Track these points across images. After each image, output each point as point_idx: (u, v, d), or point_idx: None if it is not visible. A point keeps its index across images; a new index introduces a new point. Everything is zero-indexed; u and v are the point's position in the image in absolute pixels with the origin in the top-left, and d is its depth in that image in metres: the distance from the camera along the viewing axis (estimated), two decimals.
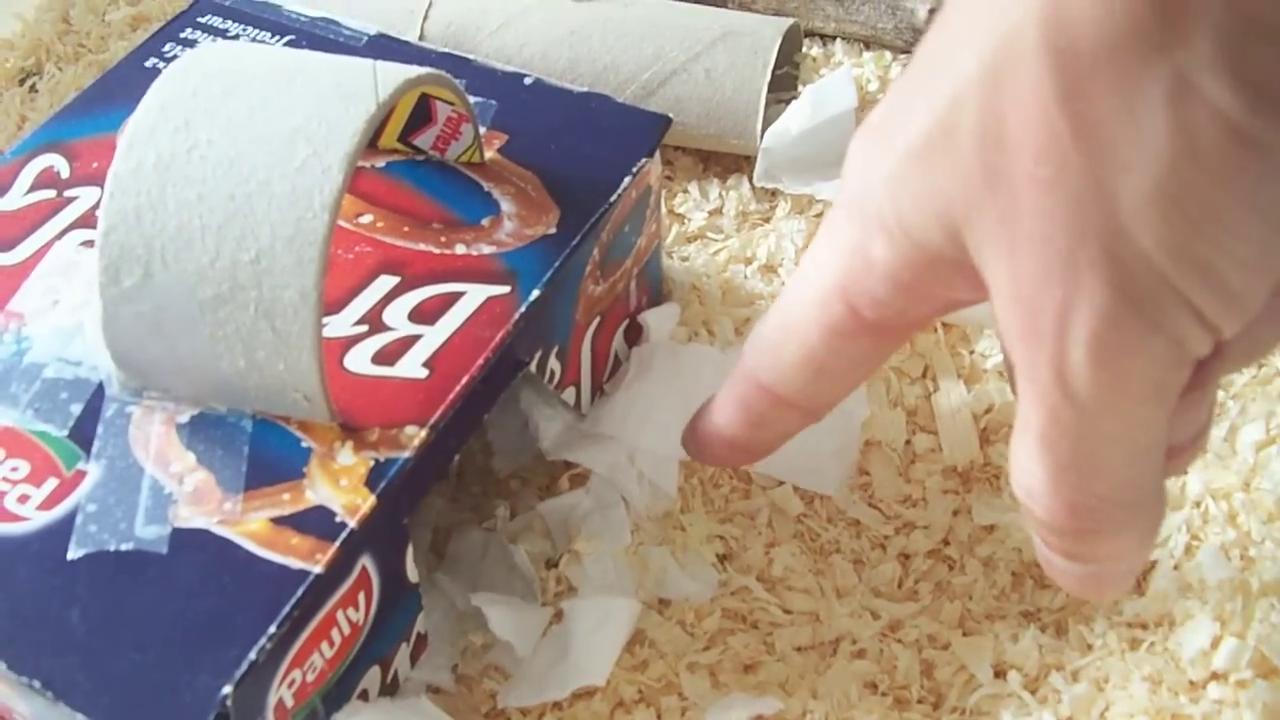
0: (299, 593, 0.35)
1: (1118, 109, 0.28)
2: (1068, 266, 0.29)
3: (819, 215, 0.55)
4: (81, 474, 0.38)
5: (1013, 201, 0.29)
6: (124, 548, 0.36)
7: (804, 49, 0.62)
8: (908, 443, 0.47)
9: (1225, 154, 0.27)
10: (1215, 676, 0.39)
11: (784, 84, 0.59)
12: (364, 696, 0.40)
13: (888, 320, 0.34)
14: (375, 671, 0.40)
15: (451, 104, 0.44)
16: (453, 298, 0.41)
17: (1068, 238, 0.29)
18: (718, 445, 0.40)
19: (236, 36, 0.51)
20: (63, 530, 0.36)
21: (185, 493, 0.37)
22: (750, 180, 0.56)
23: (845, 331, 0.35)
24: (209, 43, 0.50)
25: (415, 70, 0.40)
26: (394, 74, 0.39)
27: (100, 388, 0.39)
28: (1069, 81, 0.28)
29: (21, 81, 0.65)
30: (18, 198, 0.45)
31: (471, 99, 0.44)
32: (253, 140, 0.37)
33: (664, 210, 0.54)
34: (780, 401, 0.37)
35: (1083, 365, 0.30)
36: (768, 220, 0.56)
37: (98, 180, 0.45)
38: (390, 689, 0.41)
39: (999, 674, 0.41)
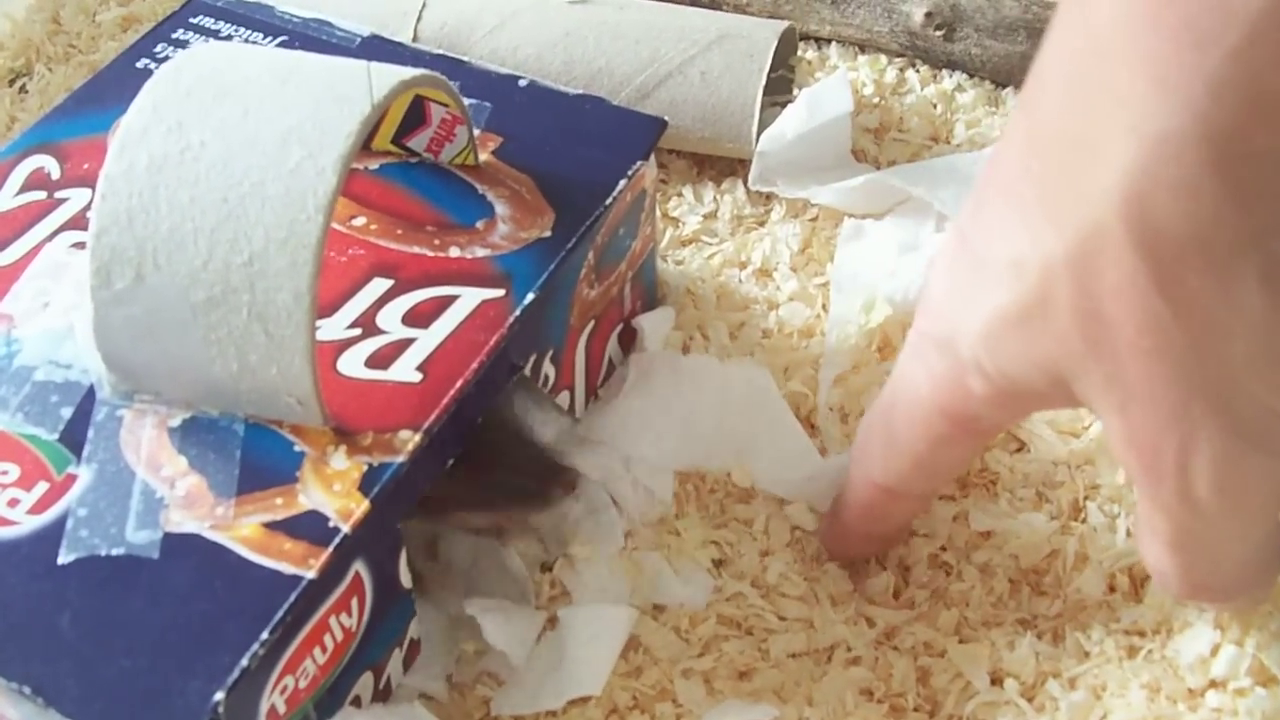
0: (292, 598, 0.34)
1: (1214, 291, 0.29)
2: (1181, 419, 0.31)
3: (814, 219, 0.55)
4: (72, 478, 0.37)
5: (1118, 366, 0.31)
6: (115, 552, 0.36)
7: (799, 52, 0.61)
8: None
9: None
10: (1214, 684, 0.38)
11: (779, 87, 0.59)
12: (357, 703, 0.39)
13: (988, 427, 0.38)
14: (368, 678, 0.40)
15: (446, 106, 0.43)
16: (447, 301, 0.41)
17: (1179, 394, 0.31)
18: (852, 540, 0.44)
19: (229, 37, 0.50)
20: (53, 535, 0.36)
21: (177, 497, 0.37)
22: (745, 184, 0.56)
23: (950, 440, 0.38)
24: (202, 43, 0.49)
25: (410, 72, 0.40)
26: (388, 75, 0.39)
27: (91, 391, 0.39)
28: (1162, 272, 0.30)
29: (11, 82, 0.65)
30: (8, 199, 0.45)
31: (465, 101, 0.44)
32: (246, 142, 0.37)
33: (658, 214, 0.54)
34: (898, 496, 0.41)
35: (1207, 495, 0.32)
36: (763, 224, 0.56)
37: (88, 182, 0.45)
38: (383, 695, 0.41)
39: (996, 681, 0.41)
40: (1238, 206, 0.29)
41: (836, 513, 0.43)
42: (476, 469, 0.41)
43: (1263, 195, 0.29)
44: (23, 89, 0.64)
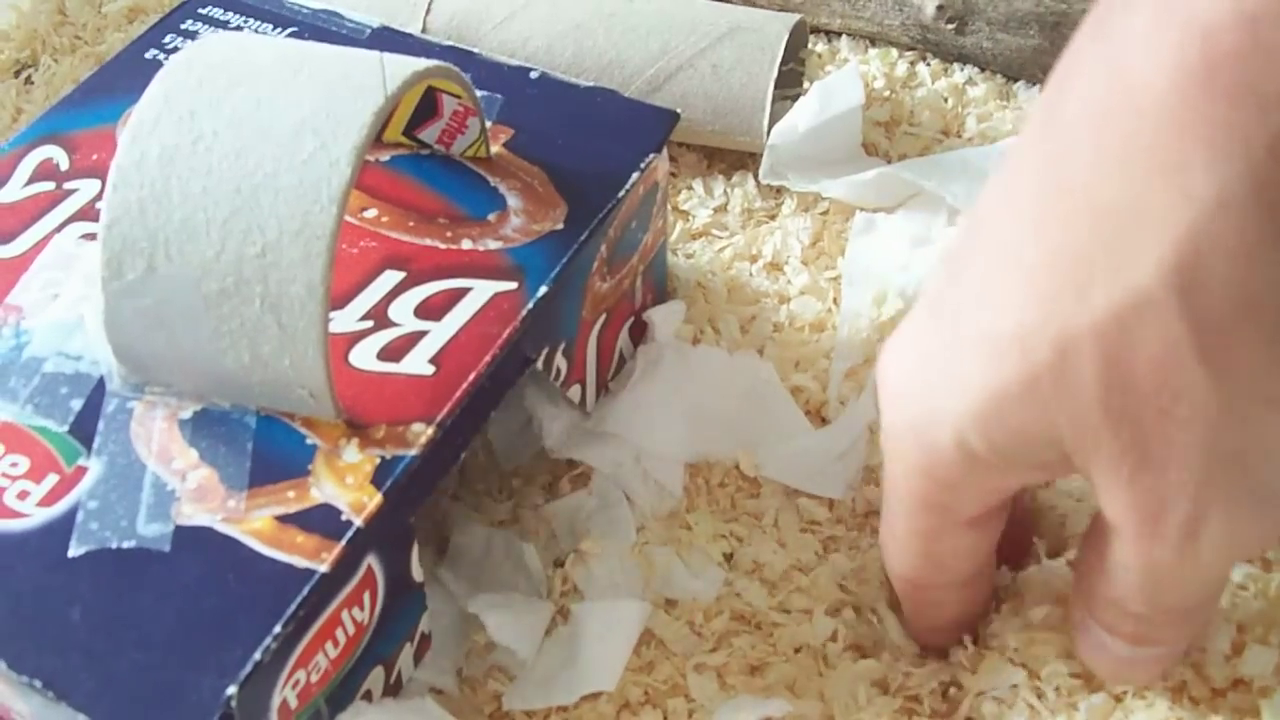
0: (304, 592, 0.34)
1: (1260, 359, 0.29)
2: (1202, 484, 0.30)
3: (825, 212, 0.55)
4: (82, 470, 0.37)
5: (1139, 435, 0.30)
6: (126, 545, 0.35)
7: (809, 45, 0.61)
8: None
9: None
10: (1239, 683, 0.38)
11: (789, 80, 0.59)
12: (368, 697, 0.39)
13: (976, 514, 0.36)
14: (379, 672, 0.39)
15: (458, 97, 0.43)
16: (459, 293, 0.41)
17: (1205, 461, 0.30)
18: (923, 634, 0.42)
19: (238, 28, 0.50)
20: (63, 527, 0.36)
21: (188, 490, 0.36)
22: (755, 177, 0.56)
23: (942, 532, 0.37)
24: (212, 34, 0.49)
25: (423, 63, 0.39)
26: (402, 66, 0.38)
27: (101, 383, 0.39)
28: (1209, 339, 0.29)
29: (17, 73, 0.65)
30: (16, 189, 0.45)
31: (477, 93, 0.44)
32: (259, 132, 0.36)
33: (669, 207, 0.53)
34: (928, 588, 0.39)
35: (1209, 555, 0.32)
36: (773, 217, 0.55)
37: (97, 172, 0.45)
38: (393, 690, 0.41)
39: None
40: None
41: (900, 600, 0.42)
42: None
43: None
44: (28, 80, 0.64)
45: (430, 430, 0.38)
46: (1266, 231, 0.28)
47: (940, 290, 0.35)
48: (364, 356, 0.39)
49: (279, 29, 0.50)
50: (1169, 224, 0.28)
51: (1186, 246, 0.28)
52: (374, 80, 0.37)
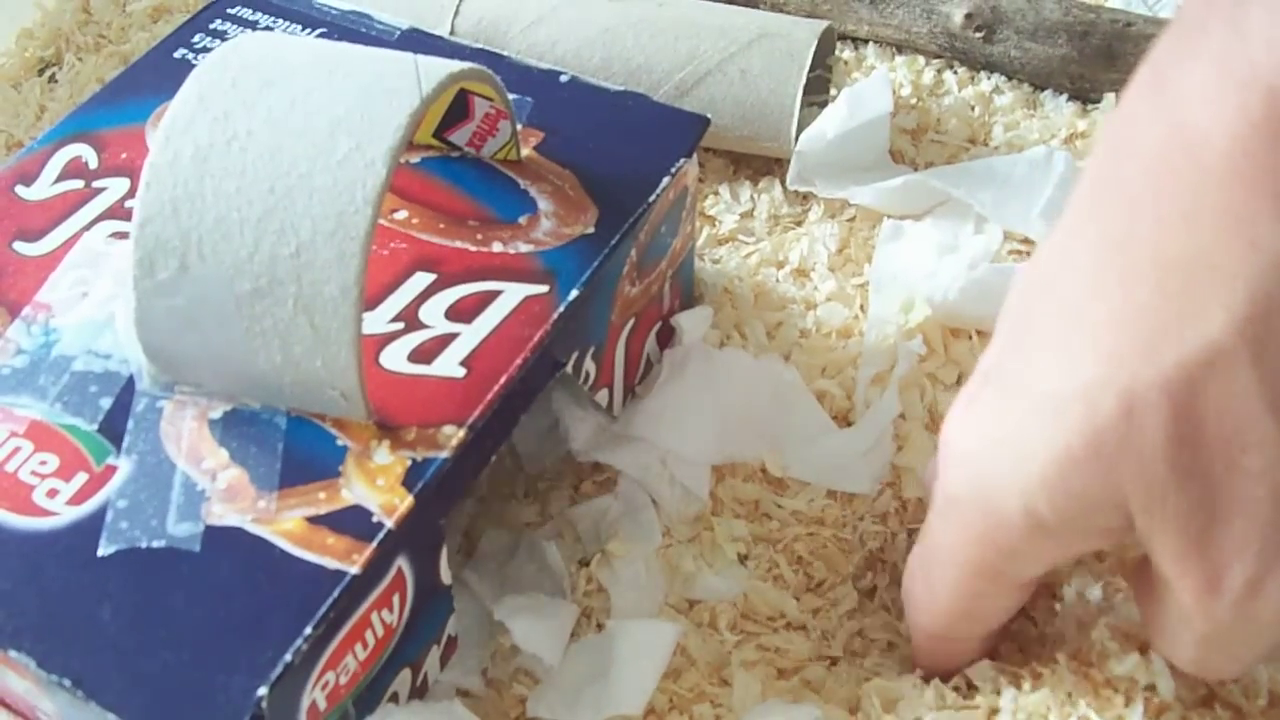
0: (335, 593, 0.34)
1: None
2: (1267, 542, 0.30)
3: (851, 219, 0.55)
4: (112, 469, 0.37)
5: (1207, 489, 0.30)
6: (156, 545, 0.35)
7: (837, 52, 0.61)
8: None
9: None
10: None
11: (816, 87, 0.59)
12: (394, 699, 0.39)
13: (1030, 579, 0.36)
14: (406, 674, 0.39)
15: (490, 100, 0.43)
16: (490, 296, 0.41)
17: (1272, 516, 0.30)
18: (923, 667, 0.41)
19: (268, 28, 0.50)
20: (93, 526, 0.36)
21: (218, 490, 0.36)
22: (783, 183, 0.56)
23: (990, 594, 0.37)
24: (245, 34, 0.49)
25: (458, 65, 0.39)
26: (436, 68, 0.38)
27: (130, 381, 0.39)
28: None
29: (41, 71, 0.65)
30: (45, 187, 0.45)
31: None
32: (293, 132, 0.36)
33: (696, 212, 0.53)
34: (953, 640, 0.39)
35: (1269, 615, 0.31)
36: (800, 223, 0.55)
37: (126, 171, 0.45)
38: (420, 692, 0.41)
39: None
40: None
41: (916, 657, 0.42)
42: None
43: None
44: (52, 79, 0.64)
45: (461, 433, 0.37)
46: None
47: (1000, 356, 0.35)
48: (395, 358, 0.39)
49: (308, 30, 0.50)
50: (1238, 276, 0.29)
51: (1258, 297, 0.29)
52: (409, 82, 0.37)
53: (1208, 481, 0.30)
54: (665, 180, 0.44)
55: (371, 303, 0.40)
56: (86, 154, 0.46)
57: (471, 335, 0.40)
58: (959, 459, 0.35)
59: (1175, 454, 0.30)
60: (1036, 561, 0.35)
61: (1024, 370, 0.33)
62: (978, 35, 0.59)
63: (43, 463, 0.37)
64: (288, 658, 0.33)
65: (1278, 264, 0.28)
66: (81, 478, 0.37)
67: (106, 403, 0.38)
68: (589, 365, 0.44)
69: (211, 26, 0.51)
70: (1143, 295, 0.30)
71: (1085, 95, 0.59)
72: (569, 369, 0.42)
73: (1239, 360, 0.29)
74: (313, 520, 0.36)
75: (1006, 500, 0.33)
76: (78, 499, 0.36)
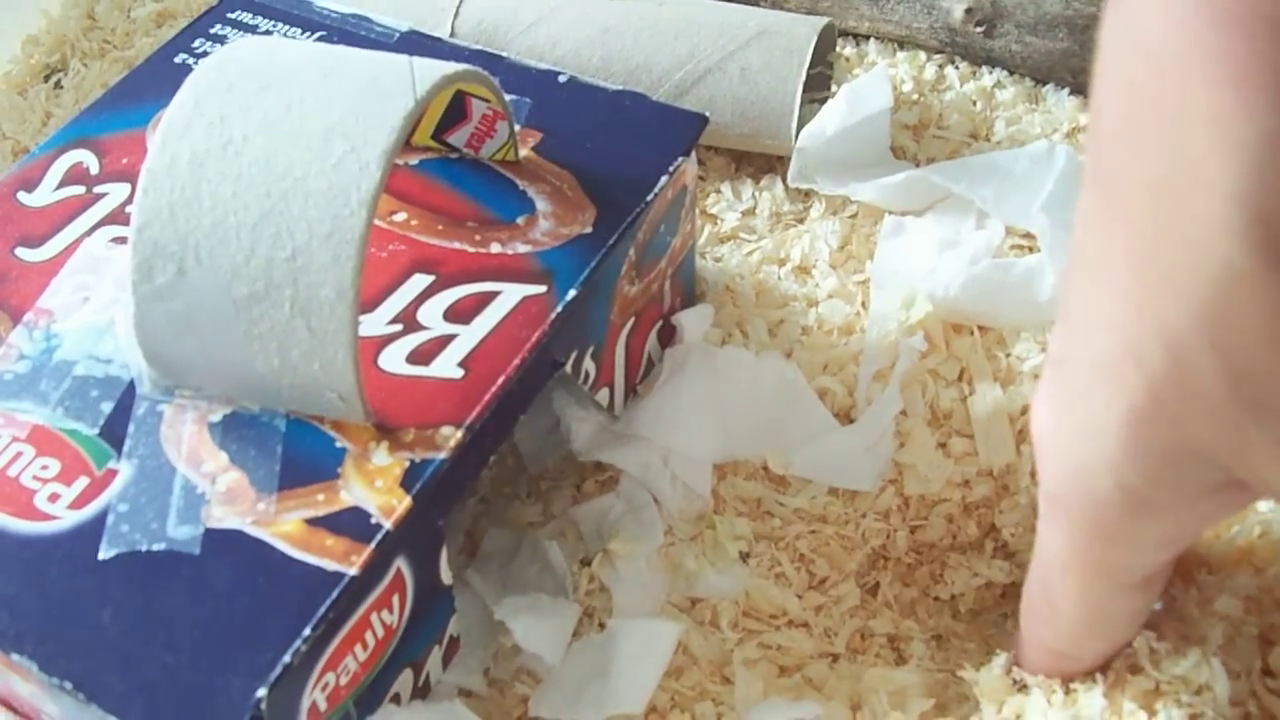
0: (334, 595, 0.34)
1: None
2: None
3: (853, 216, 0.55)
4: (112, 473, 0.37)
5: None
6: (156, 548, 0.35)
7: (838, 48, 0.61)
8: (944, 445, 0.47)
9: None
10: None
11: (817, 84, 0.59)
12: (396, 700, 0.39)
13: (1153, 570, 0.34)
14: (408, 674, 0.39)
15: (487, 101, 0.43)
16: (488, 297, 0.41)
17: None
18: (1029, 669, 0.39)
19: (267, 32, 0.50)
20: (94, 530, 0.36)
21: (218, 493, 0.36)
22: (784, 180, 0.56)
23: (1114, 596, 0.35)
24: (242, 38, 0.49)
25: (452, 66, 0.39)
26: (431, 70, 0.38)
27: (131, 386, 0.39)
28: None
29: (46, 78, 0.65)
30: (47, 193, 0.45)
31: (506, 97, 0.44)
32: (289, 136, 0.36)
33: (697, 210, 0.53)
34: (1078, 659, 0.37)
35: None
36: (801, 221, 0.55)
37: (127, 176, 0.45)
38: (422, 692, 0.41)
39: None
40: None
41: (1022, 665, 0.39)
42: None
43: None
44: (58, 85, 0.65)
45: (459, 434, 0.38)
46: None
47: (1058, 339, 0.33)
48: (393, 360, 0.39)
49: (308, 33, 0.50)
50: (1223, 180, 0.26)
51: (1249, 196, 0.25)
52: (403, 84, 0.37)
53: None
54: (663, 179, 0.44)
55: (370, 304, 0.40)
56: (88, 160, 0.46)
57: (469, 336, 0.40)
58: (1046, 454, 0.34)
59: (1238, 391, 0.27)
60: (1148, 547, 0.33)
61: (1075, 345, 0.31)
62: (978, 30, 0.59)
63: (44, 467, 0.37)
64: (287, 659, 0.33)
65: (1260, 162, 0.25)
66: (83, 482, 0.37)
67: (107, 407, 0.39)
68: (589, 365, 0.44)
69: (212, 31, 0.51)
70: (1143, 227, 0.28)
71: (1087, 89, 0.59)
72: (568, 369, 0.42)
73: (1259, 271, 0.26)
74: (312, 522, 0.36)
75: (1098, 480, 0.31)
76: (79, 503, 0.36)
